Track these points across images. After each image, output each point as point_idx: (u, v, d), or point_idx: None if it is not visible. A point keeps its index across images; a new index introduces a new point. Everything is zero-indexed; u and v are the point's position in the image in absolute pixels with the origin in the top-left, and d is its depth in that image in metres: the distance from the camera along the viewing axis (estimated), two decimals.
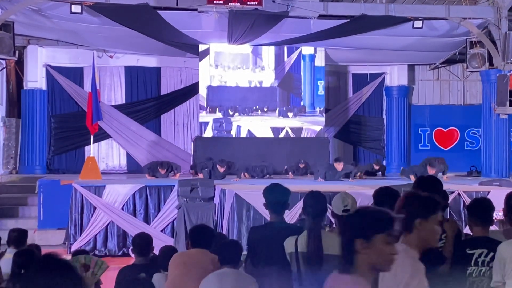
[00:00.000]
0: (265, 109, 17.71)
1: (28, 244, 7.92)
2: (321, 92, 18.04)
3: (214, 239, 5.87)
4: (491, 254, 4.56)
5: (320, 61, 18.07)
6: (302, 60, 18.04)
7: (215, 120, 17.38)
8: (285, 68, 18.00)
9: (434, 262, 4.65)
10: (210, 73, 17.46)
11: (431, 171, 14.84)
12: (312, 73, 18.07)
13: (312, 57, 18.04)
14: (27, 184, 14.91)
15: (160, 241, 10.23)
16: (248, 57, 17.73)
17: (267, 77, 17.85)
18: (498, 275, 4.49)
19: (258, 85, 17.77)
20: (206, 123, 17.44)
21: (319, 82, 18.08)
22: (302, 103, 17.94)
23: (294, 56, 18.01)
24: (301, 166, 16.36)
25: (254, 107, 17.67)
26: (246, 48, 17.47)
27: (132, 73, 18.42)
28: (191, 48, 17.22)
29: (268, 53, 17.83)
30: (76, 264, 5.91)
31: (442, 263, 4.66)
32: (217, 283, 5.00)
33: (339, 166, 15.18)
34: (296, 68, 18.03)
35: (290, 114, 17.81)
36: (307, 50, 17.93)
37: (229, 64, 17.58)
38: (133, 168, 18.13)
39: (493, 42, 16.02)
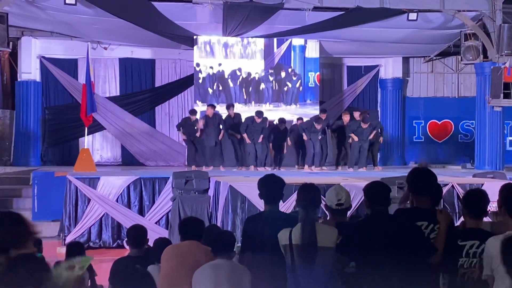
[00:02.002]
0: (255, 100, 17.64)
1: None
2: (312, 83, 17.99)
3: (204, 231, 5.88)
4: (483, 246, 4.58)
5: (311, 52, 18.01)
6: (292, 51, 17.98)
7: (203, 113, 17.29)
8: (275, 59, 17.95)
9: (426, 253, 4.68)
10: (198, 63, 17.40)
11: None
12: (303, 64, 18.04)
13: (303, 48, 17.97)
14: (21, 176, 14.89)
15: (154, 233, 10.23)
16: (237, 47, 17.65)
17: (256, 68, 17.76)
18: (487, 268, 4.53)
19: (244, 76, 17.70)
20: None
21: (309, 73, 18.05)
22: (292, 94, 17.95)
23: (284, 47, 17.91)
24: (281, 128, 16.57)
25: (244, 99, 17.61)
26: (234, 38, 17.40)
27: (126, 64, 18.38)
28: (185, 40, 17.19)
29: (256, 44, 17.66)
30: (60, 268, 5.93)
31: (434, 253, 4.68)
32: (211, 274, 5.01)
33: (318, 126, 15.91)
34: (286, 59, 17.98)
35: (281, 105, 17.82)
36: (297, 41, 17.87)
37: (218, 55, 17.51)
38: (127, 160, 18.13)
39: (488, 34, 16.04)
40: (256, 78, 17.78)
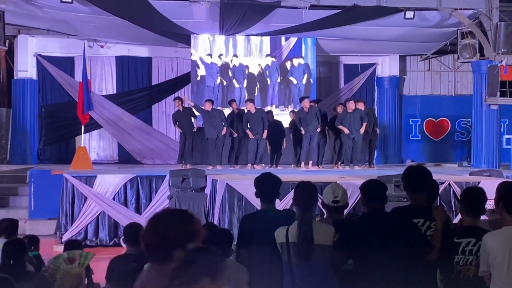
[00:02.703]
0: (261, 102, 17.32)
1: (26, 234, 7.92)
2: None
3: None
4: (479, 243, 4.60)
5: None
6: (303, 44, 17.70)
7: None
8: (283, 53, 17.78)
9: (422, 250, 4.69)
10: (197, 61, 17.32)
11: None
12: (315, 59, 17.91)
13: (315, 41, 17.74)
14: (18, 174, 14.87)
15: None
16: (240, 40, 17.44)
17: (262, 63, 17.51)
18: (484, 265, 4.54)
19: (248, 72, 17.56)
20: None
21: None
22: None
23: (294, 39, 17.63)
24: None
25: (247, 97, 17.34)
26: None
27: (123, 63, 18.35)
28: (182, 38, 17.16)
29: (258, 39, 17.49)
30: (60, 260, 5.95)
31: (430, 251, 4.69)
32: None
33: (306, 105, 15.75)
34: (296, 53, 17.73)
35: (289, 108, 17.40)
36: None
37: (220, 50, 17.40)
38: (124, 158, 18.11)
39: (484, 32, 16.05)
40: (261, 74, 17.51)
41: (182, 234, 3.07)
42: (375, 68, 19.91)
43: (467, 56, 16.32)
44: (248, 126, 15.68)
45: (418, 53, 19.76)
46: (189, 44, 17.22)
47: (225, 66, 17.44)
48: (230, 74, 17.46)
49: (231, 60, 17.44)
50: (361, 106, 16.10)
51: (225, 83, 17.41)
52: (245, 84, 17.49)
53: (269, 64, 17.60)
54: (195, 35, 17.10)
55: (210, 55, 17.30)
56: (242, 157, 16.33)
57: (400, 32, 17.00)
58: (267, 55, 17.60)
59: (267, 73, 17.61)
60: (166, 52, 18.37)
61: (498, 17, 15.93)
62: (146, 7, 14.92)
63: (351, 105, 15.90)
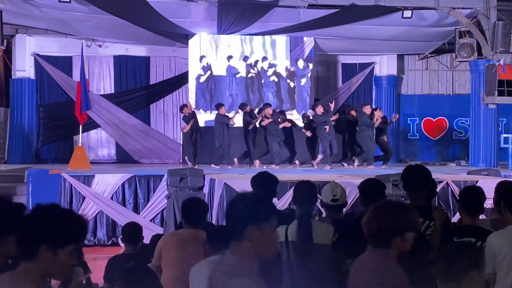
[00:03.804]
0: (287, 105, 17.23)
1: None
2: None
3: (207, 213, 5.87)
4: (479, 243, 4.58)
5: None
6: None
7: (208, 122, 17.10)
8: (305, 50, 17.68)
9: (422, 249, 4.68)
10: (198, 63, 17.29)
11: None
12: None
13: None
14: (16, 173, 14.83)
15: (149, 231, 10.21)
16: (257, 41, 17.42)
17: (283, 62, 17.49)
18: (489, 267, 4.50)
19: (270, 74, 17.49)
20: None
21: None
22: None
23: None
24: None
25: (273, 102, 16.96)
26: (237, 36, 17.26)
27: (121, 62, 18.33)
28: (180, 37, 17.15)
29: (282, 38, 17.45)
30: None
31: (430, 250, 4.68)
32: (209, 271, 4.99)
33: (320, 110, 15.81)
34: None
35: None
36: None
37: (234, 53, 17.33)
38: (122, 157, 18.09)
39: (482, 32, 16.06)
40: (289, 76, 17.44)
41: (400, 223, 3.49)
42: (373, 67, 19.91)
43: (465, 55, 16.35)
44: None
45: (416, 52, 19.77)
46: (187, 44, 17.19)
47: (250, 67, 17.30)
48: (255, 77, 17.32)
49: (256, 63, 17.30)
50: (379, 114, 16.23)
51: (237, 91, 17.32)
52: (274, 88, 17.40)
53: (300, 67, 17.53)
54: (208, 34, 17.04)
55: (231, 56, 17.18)
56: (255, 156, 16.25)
57: (398, 31, 17.01)
58: (297, 58, 17.53)
59: (295, 76, 17.51)
60: (164, 52, 18.36)
61: (496, 16, 15.95)
62: (143, 6, 14.91)
63: (366, 110, 15.98)
